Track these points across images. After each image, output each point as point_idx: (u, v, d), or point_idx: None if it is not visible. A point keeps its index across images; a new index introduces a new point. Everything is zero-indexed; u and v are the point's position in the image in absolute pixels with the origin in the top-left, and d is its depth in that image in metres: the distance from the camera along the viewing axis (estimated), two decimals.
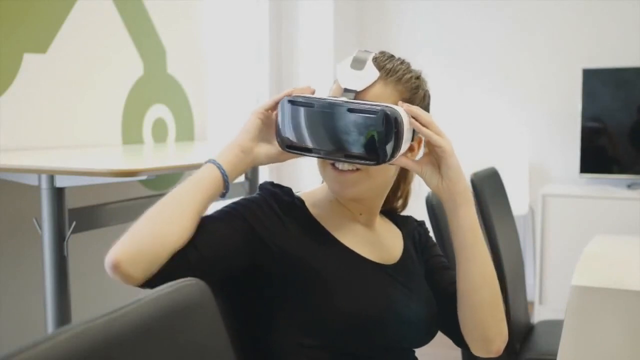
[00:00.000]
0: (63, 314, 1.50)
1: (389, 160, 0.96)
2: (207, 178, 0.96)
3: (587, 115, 3.35)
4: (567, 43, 3.54)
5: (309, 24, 3.54)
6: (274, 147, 1.03)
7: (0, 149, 1.73)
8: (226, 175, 0.97)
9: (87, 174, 1.41)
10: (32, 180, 1.51)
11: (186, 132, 2.50)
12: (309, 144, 0.99)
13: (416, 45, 3.78)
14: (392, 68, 1.02)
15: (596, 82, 3.33)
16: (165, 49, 2.34)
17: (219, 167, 0.96)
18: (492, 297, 1.03)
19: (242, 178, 2.55)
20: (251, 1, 3.36)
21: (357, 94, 0.99)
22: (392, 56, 1.07)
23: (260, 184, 1.06)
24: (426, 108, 1.06)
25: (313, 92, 1.03)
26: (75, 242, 1.62)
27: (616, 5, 3.41)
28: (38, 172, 1.47)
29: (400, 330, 1.03)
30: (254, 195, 1.04)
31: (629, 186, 3.32)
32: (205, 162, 0.98)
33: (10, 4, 1.74)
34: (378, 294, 1.02)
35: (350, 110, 0.95)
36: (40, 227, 1.50)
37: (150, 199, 2.02)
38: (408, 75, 1.04)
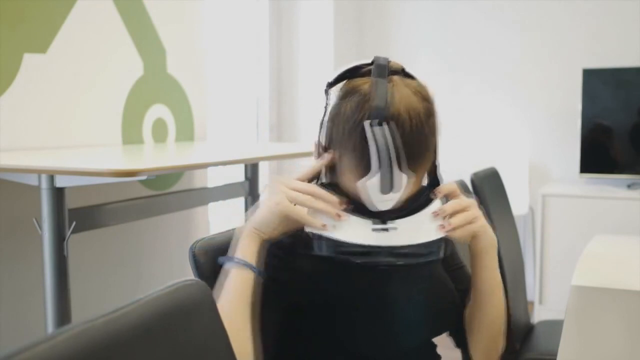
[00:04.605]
0: (63, 314, 1.50)
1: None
2: (246, 286, 0.94)
3: (587, 115, 3.34)
4: (567, 43, 3.54)
5: (309, 24, 3.54)
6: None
7: (0, 149, 1.73)
8: (260, 272, 0.95)
9: (87, 174, 1.41)
10: (32, 180, 1.51)
11: (186, 132, 2.50)
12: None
13: (416, 45, 3.78)
14: (414, 156, 0.92)
15: (596, 82, 3.33)
16: (165, 49, 2.34)
17: (252, 268, 0.94)
18: (500, 331, 1.09)
19: (242, 177, 2.55)
20: (251, 1, 3.36)
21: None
22: (408, 119, 0.92)
23: None
24: (435, 125, 0.98)
25: (341, 205, 0.94)
26: (75, 242, 1.63)
27: (616, 5, 3.41)
28: (38, 172, 1.47)
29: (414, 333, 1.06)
30: None
31: (629, 186, 3.32)
32: (233, 263, 0.94)
33: (10, 4, 1.74)
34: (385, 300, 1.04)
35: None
36: (40, 227, 1.50)
37: (150, 199, 2.03)
38: (424, 142, 0.94)
